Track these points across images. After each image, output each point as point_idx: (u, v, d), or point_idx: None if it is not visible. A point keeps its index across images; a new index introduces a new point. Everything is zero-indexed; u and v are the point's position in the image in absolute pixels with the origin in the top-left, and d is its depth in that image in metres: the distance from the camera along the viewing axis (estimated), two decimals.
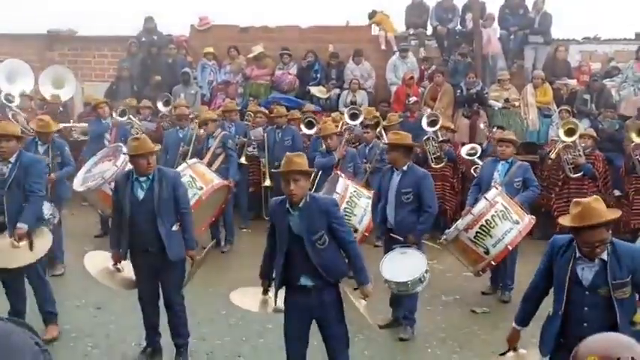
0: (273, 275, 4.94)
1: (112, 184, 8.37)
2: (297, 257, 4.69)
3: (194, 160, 9.12)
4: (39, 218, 6.13)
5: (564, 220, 3.90)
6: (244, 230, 10.52)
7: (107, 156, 9.04)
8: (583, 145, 9.73)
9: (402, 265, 6.12)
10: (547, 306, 4.18)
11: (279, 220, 4.79)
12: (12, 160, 6.01)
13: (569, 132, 9.55)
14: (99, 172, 8.72)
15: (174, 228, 5.67)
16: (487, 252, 6.90)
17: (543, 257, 4.15)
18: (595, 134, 10.03)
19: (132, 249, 5.71)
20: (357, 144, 10.39)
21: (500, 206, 6.99)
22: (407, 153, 6.63)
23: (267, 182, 10.75)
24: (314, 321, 4.88)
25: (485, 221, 6.87)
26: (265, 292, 5.05)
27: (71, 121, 12.14)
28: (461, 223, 6.97)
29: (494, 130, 10.38)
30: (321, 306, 4.75)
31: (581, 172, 9.64)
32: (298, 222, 4.66)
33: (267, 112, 11.53)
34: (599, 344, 2.15)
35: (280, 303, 4.93)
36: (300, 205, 4.66)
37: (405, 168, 6.57)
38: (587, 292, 3.86)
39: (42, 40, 14.83)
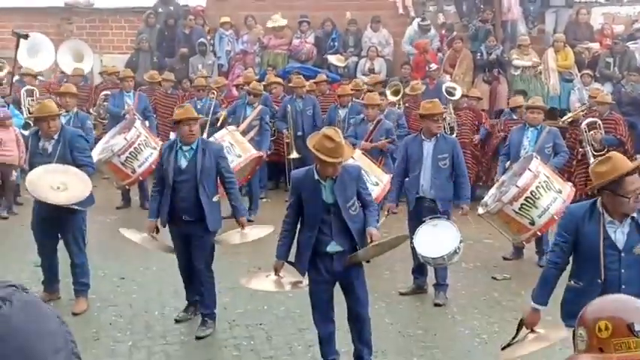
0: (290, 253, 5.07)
1: (122, 156, 8.55)
2: (327, 226, 4.83)
3: (233, 127, 9.25)
4: None
5: (602, 176, 3.85)
6: (264, 200, 10.57)
7: (123, 128, 9.10)
8: (601, 109, 9.56)
9: (436, 238, 6.13)
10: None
11: (308, 191, 4.86)
12: (55, 136, 6.16)
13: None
14: (111, 144, 8.80)
15: (215, 199, 5.87)
16: (532, 223, 6.83)
17: (561, 231, 4.10)
18: (608, 99, 9.79)
19: (171, 217, 5.87)
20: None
21: (543, 176, 6.93)
22: (441, 121, 6.78)
23: (294, 154, 10.65)
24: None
25: (531, 193, 6.79)
26: (277, 273, 5.09)
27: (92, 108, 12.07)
28: (505, 196, 6.87)
29: (515, 96, 10.24)
30: (346, 270, 4.91)
31: (604, 147, 9.51)
32: (331, 192, 4.79)
33: (282, 82, 11.52)
34: (609, 306, 2.08)
35: (298, 277, 5.04)
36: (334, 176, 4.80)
37: (437, 135, 6.61)
38: (622, 254, 3.86)
39: (59, 13, 14.82)
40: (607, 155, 3.94)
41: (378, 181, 7.54)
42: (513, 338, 4.12)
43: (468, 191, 6.86)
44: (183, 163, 5.76)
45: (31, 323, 1.27)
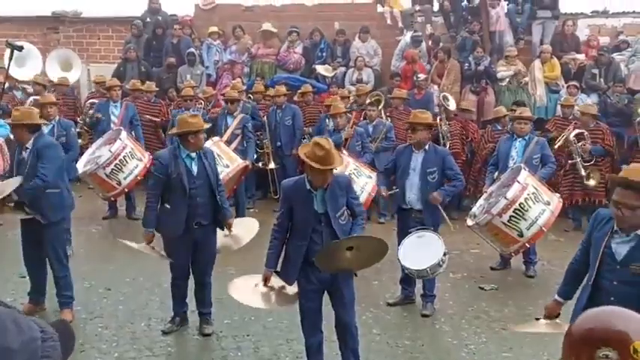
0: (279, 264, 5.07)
1: (107, 169, 8.50)
2: (318, 235, 4.87)
3: (217, 137, 9.23)
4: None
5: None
6: (251, 210, 10.54)
7: (109, 139, 9.05)
8: (586, 120, 9.62)
9: (420, 251, 6.12)
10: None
11: (300, 200, 4.87)
12: (29, 146, 6.11)
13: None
14: (96, 156, 8.75)
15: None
16: (521, 234, 6.83)
17: (587, 229, 4.21)
18: (592, 110, 9.83)
19: (186, 224, 5.86)
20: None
21: (532, 188, 6.94)
22: (430, 132, 6.75)
23: (272, 165, 10.77)
24: None
25: (520, 205, 6.79)
26: (266, 283, 5.06)
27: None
28: (495, 208, 6.84)
29: (513, 107, 10.22)
30: (335, 278, 4.95)
31: (592, 158, 9.58)
32: (322, 201, 4.83)
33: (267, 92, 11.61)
34: (636, 326, 1.93)
35: (290, 289, 5.04)
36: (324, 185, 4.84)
37: (426, 147, 6.59)
38: (618, 267, 3.85)
39: (46, 23, 14.77)
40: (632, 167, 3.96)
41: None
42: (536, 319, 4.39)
43: (455, 189, 6.85)
44: (195, 169, 5.88)
45: None
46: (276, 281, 5.08)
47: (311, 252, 4.85)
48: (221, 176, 8.06)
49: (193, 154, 5.88)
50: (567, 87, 10.97)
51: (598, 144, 9.64)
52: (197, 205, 5.85)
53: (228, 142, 9.45)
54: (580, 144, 9.56)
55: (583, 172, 9.56)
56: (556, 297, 4.34)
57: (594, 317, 2.02)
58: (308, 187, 4.82)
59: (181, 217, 5.82)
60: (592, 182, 9.59)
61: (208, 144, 8.78)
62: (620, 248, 3.86)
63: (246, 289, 5.15)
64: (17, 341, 1.29)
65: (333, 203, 4.85)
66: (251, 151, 9.85)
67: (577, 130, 9.63)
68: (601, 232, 3.96)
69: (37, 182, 5.99)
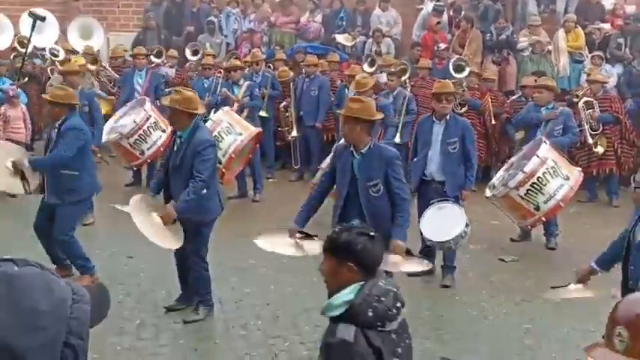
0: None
1: (131, 139, 8.55)
2: (351, 202, 4.94)
3: (227, 107, 9.14)
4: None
5: None
6: (270, 180, 10.55)
7: (132, 108, 9.07)
8: (594, 88, 9.52)
9: (442, 222, 6.11)
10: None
11: (342, 161, 5.02)
12: (57, 124, 6.22)
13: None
14: (120, 125, 8.78)
15: None
16: (537, 208, 6.81)
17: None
18: (601, 78, 9.72)
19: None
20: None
21: (551, 162, 6.88)
22: (454, 101, 6.76)
23: (294, 133, 10.69)
24: None
25: (537, 179, 6.76)
26: (291, 236, 4.96)
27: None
28: (512, 181, 6.82)
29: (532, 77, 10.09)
30: None
31: (600, 127, 9.45)
32: (358, 166, 4.89)
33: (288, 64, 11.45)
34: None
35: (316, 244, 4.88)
36: (364, 150, 4.88)
37: (448, 117, 6.54)
38: (633, 251, 3.84)
39: None
40: None
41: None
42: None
43: (472, 177, 6.71)
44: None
45: (5, 298, 1.27)
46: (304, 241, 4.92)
47: (344, 217, 4.87)
48: (235, 145, 8.20)
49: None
50: (591, 57, 10.78)
51: (607, 112, 9.52)
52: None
53: (240, 112, 9.32)
54: (589, 111, 9.43)
55: (590, 140, 9.44)
56: (593, 264, 4.30)
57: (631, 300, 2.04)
58: (351, 148, 4.93)
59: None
60: (600, 149, 9.50)
61: (219, 114, 8.75)
62: (638, 232, 3.90)
63: (273, 239, 5.13)
64: (45, 302, 1.31)
65: (366, 170, 4.89)
66: (256, 119, 9.63)
67: (586, 98, 9.50)
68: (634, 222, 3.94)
69: (51, 157, 6.12)
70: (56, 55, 11.78)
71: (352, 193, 4.93)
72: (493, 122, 10.05)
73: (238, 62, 10.28)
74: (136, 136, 8.62)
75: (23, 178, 6.18)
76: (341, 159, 5.06)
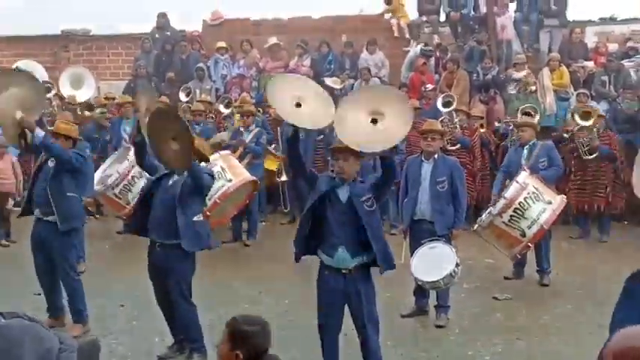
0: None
1: (116, 189, 8.62)
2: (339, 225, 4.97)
3: (227, 151, 9.13)
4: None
5: None
6: (263, 223, 10.54)
7: (118, 158, 9.14)
8: (597, 126, 9.61)
9: (433, 262, 6.09)
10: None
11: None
12: None
13: (585, 115, 9.45)
14: (106, 175, 8.83)
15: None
16: (523, 234, 6.92)
17: None
18: (601, 114, 9.88)
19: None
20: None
21: (532, 188, 7.04)
22: (442, 141, 6.83)
23: (284, 177, 10.72)
24: None
25: (519, 204, 6.90)
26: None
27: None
28: (494, 209, 6.97)
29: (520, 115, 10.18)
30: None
31: (596, 155, 9.53)
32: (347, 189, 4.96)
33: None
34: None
35: None
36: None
37: (436, 156, 6.59)
38: None
39: (56, 41, 14.91)
40: None
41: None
42: None
43: (461, 216, 6.72)
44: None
45: None
46: None
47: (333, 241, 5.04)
48: (222, 190, 8.19)
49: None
50: (577, 95, 10.92)
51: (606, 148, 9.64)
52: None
53: (241, 157, 9.38)
54: (587, 139, 9.52)
55: (585, 157, 9.51)
56: None
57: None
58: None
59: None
60: (591, 156, 9.53)
61: (215, 157, 8.74)
62: None
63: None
64: (33, 351, 1.31)
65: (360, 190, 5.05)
66: (260, 167, 9.76)
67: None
68: None
69: (58, 146, 6.12)
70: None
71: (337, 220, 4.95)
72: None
73: (252, 108, 10.36)
74: (120, 187, 8.73)
75: (22, 136, 6.06)
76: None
